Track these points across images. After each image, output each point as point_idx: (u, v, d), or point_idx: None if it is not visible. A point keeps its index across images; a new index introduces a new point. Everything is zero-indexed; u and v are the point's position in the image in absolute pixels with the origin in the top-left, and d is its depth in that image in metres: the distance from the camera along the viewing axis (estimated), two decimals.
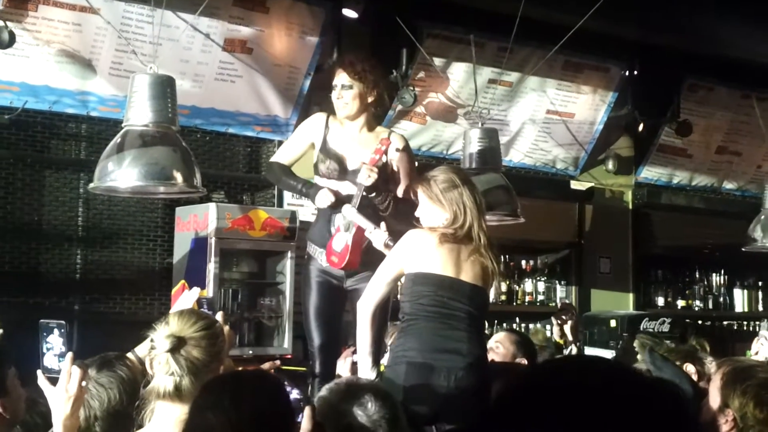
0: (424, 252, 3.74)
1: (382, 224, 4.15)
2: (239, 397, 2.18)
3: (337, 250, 4.34)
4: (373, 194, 4.21)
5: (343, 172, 4.34)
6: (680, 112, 7.97)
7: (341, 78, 4.44)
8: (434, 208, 3.82)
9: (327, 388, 2.48)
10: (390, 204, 4.27)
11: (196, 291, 3.24)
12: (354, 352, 4.02)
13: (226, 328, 3.06)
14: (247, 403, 2.16)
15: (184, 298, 3.21)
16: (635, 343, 4.32)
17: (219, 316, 3.08)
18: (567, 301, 6.81)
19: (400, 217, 4.34)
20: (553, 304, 7.68)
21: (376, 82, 4.51)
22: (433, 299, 3.72)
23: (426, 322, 3.72)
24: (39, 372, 2.77)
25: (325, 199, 4.29)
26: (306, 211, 5.89)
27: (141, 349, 2.95)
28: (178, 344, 2.51)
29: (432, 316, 3.71)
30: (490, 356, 4.05)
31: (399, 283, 4.00)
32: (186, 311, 2.71)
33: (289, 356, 5.73)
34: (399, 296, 3.96)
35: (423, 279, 3.74)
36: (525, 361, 4.47)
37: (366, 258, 4.26)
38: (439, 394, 3.57)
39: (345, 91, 4.41)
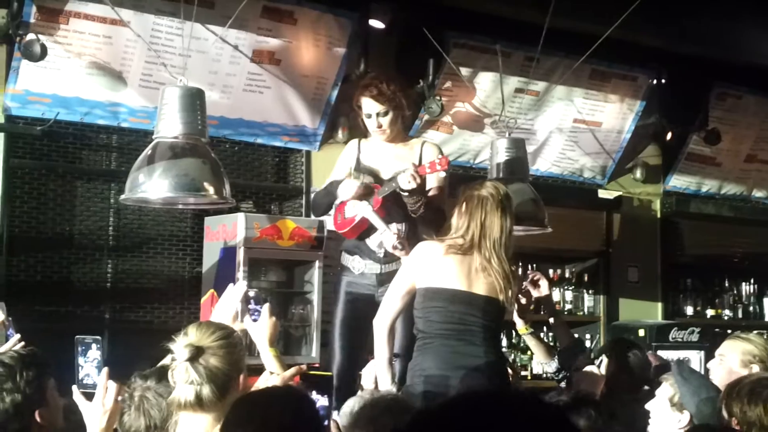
0: (433, 264, 3.73)
1: (393, 226, 4.19)
2: (269, 414, 2.20)
3: (346, 215, 4.45)
4: (407, 194, 4.28)
5: (379, 183, 4.42)
6: (709, 120, 7.93)
7: (372, 105, 4.47)
8: (454, 212, 3.85)
9: (357, 403, 2.50)
10: (420, 207, 4.32)
11: (242, 284, 3.28)
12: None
13: (273, 319, 3.14)
14: (277, 421, 2.18)
15: (230, 293, 3.25)
16: (630, 356, 4.21)
17: (265, 309, 3.15)
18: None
19: (426, 223, 4.40)
20: (581, 313, 7.67)
21: (407, 98, 4.58)
22: (446, 315, 3.70)
23: (441, 340, 3.70)
24: (74, 387, 2.82)
25: (349, 187, 4.34)
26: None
27: None
28: (196, 353, 2.55)
29: (447, 334, 3.69)
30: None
31: None
32: (204, 323, 2.75)
33: (317, 365, 5.76)
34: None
35: (434, 294, 3.72)
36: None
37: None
38: None
39: (382, 118, 4.46)
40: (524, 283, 4.18)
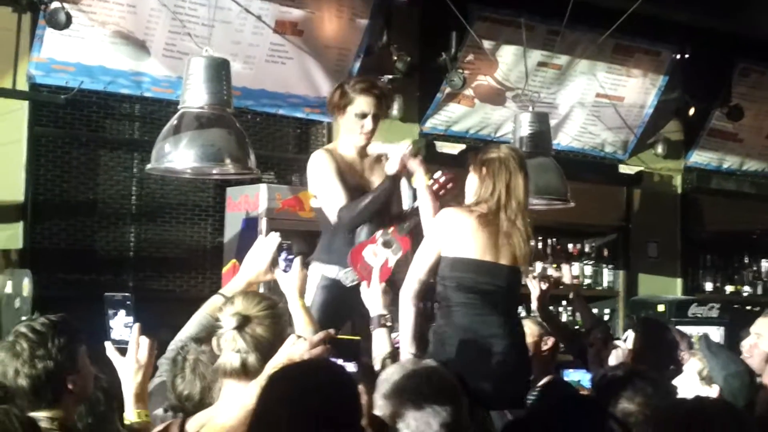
0: (461, 234, 3.71)
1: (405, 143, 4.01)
2: (307, 389, 2.20)
3: (369, 262, 4.05)
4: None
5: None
6: (731, 96, 7.89)
7: (371, 105, 4.12)
8: (473, 178, 3.81)
9: (397, 372, 2.52)
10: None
11: (276, 236, 3.28)
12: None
13: (304, 271, 3.25)
14: (315, 396, 2.18)
15: (263, 243, 3.25)
16: (659, 335, 4.21)
17: (297, 261, 3.19)
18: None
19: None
20: (600, 287, 7.67)
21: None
22: (472, 285, 3.71)
23: (465, 309, 3.71)
24: (108, 343, 2.84)
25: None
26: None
27: None
28: (243, 322, 2.58)
29: (471, 303, 3.71)
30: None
31: None
32: (249, 293, 2.77)
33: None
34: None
35: (461, 265, 3.72)
36: (551, 340, 4.48)
37: None
38: (481, 377, 3.58)
39: (375, 120, 4.13)
40: (550, 279, 4.32)
